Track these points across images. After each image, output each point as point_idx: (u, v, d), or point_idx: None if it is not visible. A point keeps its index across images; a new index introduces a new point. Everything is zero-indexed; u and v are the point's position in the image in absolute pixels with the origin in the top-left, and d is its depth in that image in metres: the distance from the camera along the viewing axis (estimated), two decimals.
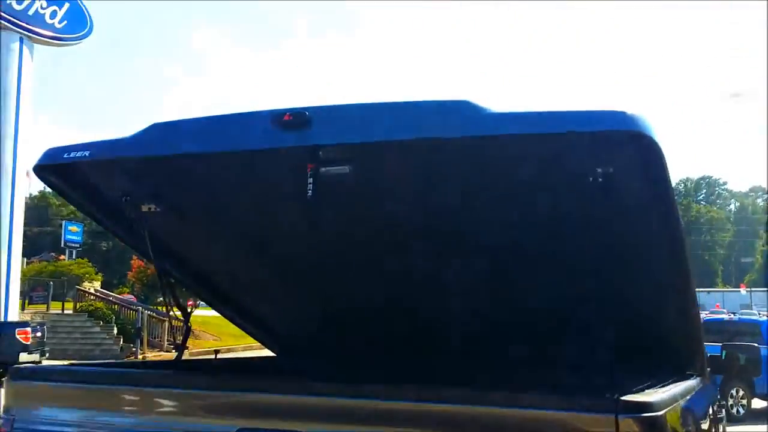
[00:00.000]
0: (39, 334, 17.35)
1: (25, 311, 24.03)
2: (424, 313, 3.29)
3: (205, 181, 2.70)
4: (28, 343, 16.52)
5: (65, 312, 25.69)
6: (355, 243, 2.86)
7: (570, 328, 3.05)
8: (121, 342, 23.54)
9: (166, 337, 22.95)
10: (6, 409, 2.38)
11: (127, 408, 2.30)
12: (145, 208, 2.78)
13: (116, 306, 26.22)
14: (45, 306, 25.97)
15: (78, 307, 25.78)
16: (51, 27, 19.83)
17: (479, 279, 3.04)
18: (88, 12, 20.76)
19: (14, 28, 18.90)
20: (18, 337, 16.44)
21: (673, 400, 2.15)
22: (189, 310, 3.35)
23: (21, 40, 19.30)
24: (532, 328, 3.21)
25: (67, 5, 20.12)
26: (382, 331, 3.38)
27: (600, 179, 2.17)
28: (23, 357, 15.33)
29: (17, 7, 18.94)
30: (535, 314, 3.16)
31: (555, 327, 3.18)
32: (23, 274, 24.45)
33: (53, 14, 19.76)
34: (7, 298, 20.53)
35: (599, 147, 2.12)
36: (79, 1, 20.54)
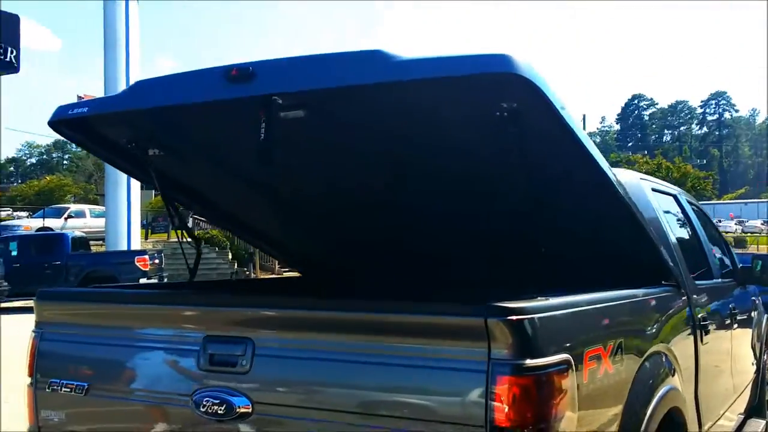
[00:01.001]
0: (156, 260, 18.97)
1: (148, 240, 26.02)
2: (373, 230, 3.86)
3: (185, 128, 3.12)
4: (147, 269, 18.10)
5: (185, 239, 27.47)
6: (305, 173, 3.37)
7: (501, 245, 3.33)
8: (236, 266, 25.15)
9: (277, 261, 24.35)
10: (37, 324, 2.94)
11: (122, 322, 2.79)
12: (150, 152, 3.24)
13: (230, 233, 27.86)
14: (166, 235, 27.96)
15: (196, 234, 27.47)
16: None
17: (417, 200, 3.38)
18: None
19: None
20: (137, 264, 18.03)
21: (560, 306, 2.29)
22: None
23: None
24: (475, 248, 3.58)
25: None
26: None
27: (506, 113, 2.47)
28: (142, 282, 16.83)
29: None
30: (479, 236, 3.51)
31: (492, 246, 3.49)
32: (147, 205, 26.32)
33: None
34: (129, 228, 22.30)
35: (490, 86, 2.36)
36: None
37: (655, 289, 3.21)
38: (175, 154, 3.30)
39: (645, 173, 4.63)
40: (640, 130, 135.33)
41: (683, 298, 3.49)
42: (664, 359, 3.02)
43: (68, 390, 2.78)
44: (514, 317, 2.05)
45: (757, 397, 5.42)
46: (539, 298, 2.28)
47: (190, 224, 5.08)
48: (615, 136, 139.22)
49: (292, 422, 2.37)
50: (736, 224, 59.98)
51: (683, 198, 4.73)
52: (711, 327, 3.77)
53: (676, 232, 4.04)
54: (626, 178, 3.81)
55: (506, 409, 2.03)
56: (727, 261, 5.30)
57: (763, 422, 5.27)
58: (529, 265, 3.28)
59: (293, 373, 2.42)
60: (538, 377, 2.07)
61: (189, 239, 3.79)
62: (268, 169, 3.11)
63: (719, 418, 4.06)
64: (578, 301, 2.44)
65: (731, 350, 4.42)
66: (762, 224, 61.01)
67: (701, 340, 3.60)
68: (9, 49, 21.02)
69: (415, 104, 2.60)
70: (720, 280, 4.59)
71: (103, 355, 2.80)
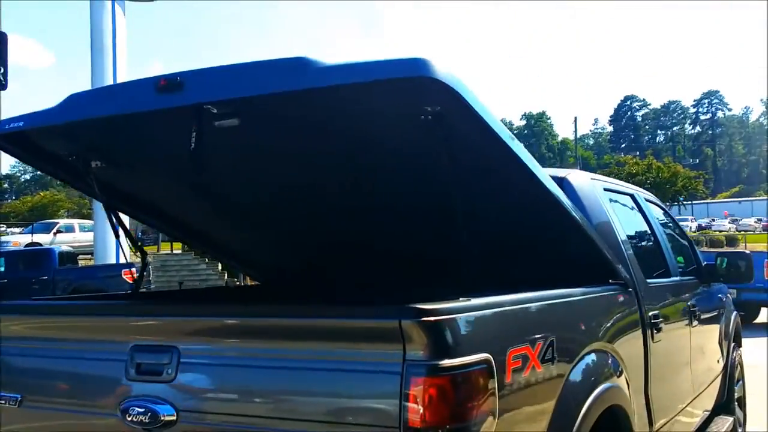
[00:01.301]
0: (144, 273, 18.87)
1: (137, 253, 25.97)
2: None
3: (122, 139, 3.11)
4: (132, 282, 18.05)
5: (174, 252, 27.55)
6: (245, 179, 3.40)
7: (438, 248, 3.33)
8: (226, 277, 25.09)
9: None
10: None
11: (52, 334, 2.81)
12: (93, 164, 3.23)
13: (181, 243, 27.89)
14: (156, 247, 27.97)
15: (185, 246, 27.60)
16: None
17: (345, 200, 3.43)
18: None
19: None
20: (124, 277, 17.99)
21: (478, 307, 2.26)
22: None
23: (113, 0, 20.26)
24: (417, 250, 3.63)
25: None
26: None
27: (430, 116, 2.47)
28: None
29: None
30: (418, 238, 3.54)
31: (431, 249, 3.50)
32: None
33: None
34: (117, 242, 22.27)
35: (410, 90, 2.34)
36: None
37: (596, 288, 3.20)
38: (116, 165, 3.30)
39: (635, 174, 4.67)
40: (633, 131, 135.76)
41: (631, 297, 3.48)
42: (606, 358, 3.02)
43: (2, 402, 2.77)
44: (429, 318, 2.05)
45: (725, 394, 5.41)
46: (461, 299, 2.26)
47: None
48: (608, 137, 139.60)
49: (216, 429, 2.36)
50: (729, 223, 60.23)
51: (641, 197, 4.73)
52: (663, 325, 3.77)
53: (628, 231, 4.05)
54: (575, 178, 3.84)
55: (420, 410, 2.01)
56: (692, 260, 5.31)
57: (730, 419, 5.26)
58: (469, 267, 3.27)
59: (216, 380, 2.41)
60: (453, 377, 2.05)
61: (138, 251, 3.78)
62: (207, 177, 3.11)
63: (676, 415, 4.05)
64: (500, 302, 2.41)
65: (690, 347, 4.42)
66: (755, 222, 61.28)
67: (652, 339, 3.60)
68: None
69: (343, 110, 2.61)
70: (678, 278, 4.59)
71: (36, 366, 2.80)
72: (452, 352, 2.07)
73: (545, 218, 3.04)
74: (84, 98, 2.89)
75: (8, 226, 40.58)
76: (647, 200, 4.85)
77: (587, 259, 3.26)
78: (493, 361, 2.18)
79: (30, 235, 28.67)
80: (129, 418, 2.45)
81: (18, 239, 27.85)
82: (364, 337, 2.15)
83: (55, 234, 28.88)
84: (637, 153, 74.51)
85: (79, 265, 21.93)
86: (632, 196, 4.57)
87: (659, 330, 3.70)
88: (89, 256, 24.48)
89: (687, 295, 4.60)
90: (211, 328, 2.48)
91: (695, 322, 4.53)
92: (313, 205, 3.52)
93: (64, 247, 21.65)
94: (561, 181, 3.66)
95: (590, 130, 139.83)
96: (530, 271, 3.19)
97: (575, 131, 72.53)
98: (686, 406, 4.32)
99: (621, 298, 3.39)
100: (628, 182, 5.66)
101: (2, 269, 18.95)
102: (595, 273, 3.32)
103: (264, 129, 2.84)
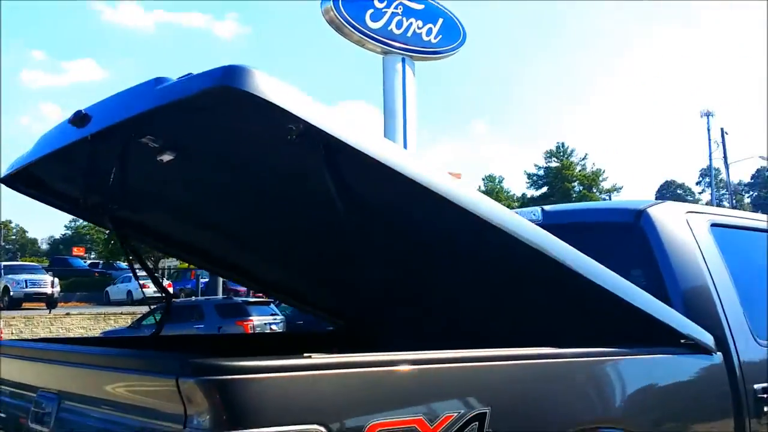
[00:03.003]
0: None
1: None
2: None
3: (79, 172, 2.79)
4: None
5: None
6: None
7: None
8: None
9: None
10: None
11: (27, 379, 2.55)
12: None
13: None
14: None
15: None
16: (428, 44, 20.08)
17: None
18: (461, 24, 20.76)
19: (397, 51, 19.12)
20: None
21: (314, 367, 1.78)
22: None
23: (403, 60, 19.55)
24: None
25: (441, 20, 20.78)
26: None
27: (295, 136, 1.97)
28: None
29: (397, 32, 19.74)
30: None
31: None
32: None
33: (429, 32, 20.31)
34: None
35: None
36: (451, 15, 20.82)
37: (611, 350, 2.51)
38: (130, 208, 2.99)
39: None
40: None
41: (714, 364, 2.77)
42: None
43: None
44: (216, 377, 1.63)
45: None
46: (305, 355, 1.81)
47: None
48: None
49: None
50: None
51: None
52: None
53: (745, 280, 3.12)
54: (659, 211, 3.10)
55: None
56: None
57: None
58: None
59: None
60: None
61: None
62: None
63: None
64: (358, 362, 1.92)
65: None
66: None
67: (757, 417, 2.83)
68: None
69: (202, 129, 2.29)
70: None
71: None
72: (251, 421, 1.64)
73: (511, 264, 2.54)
74: (45, 137, 2.70)
75: None
76: None
77: (616, 315, 2.56)
78: None
79: None
80: None
81: None
82: (147, 396, 1.83)
83: None
84: None
85: None
86: None
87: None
88: None
89: None
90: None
91: None
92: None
93: None
94: (639, 215, 3.05)
95: None
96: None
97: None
98: None
99: (683, 364, 2.74)
100: None
101: None
102: (652, 332, 2.62)
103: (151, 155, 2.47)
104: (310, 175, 2.24)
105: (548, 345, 2.32)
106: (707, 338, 2.74)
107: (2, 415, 2.59)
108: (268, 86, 1.80)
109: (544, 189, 73.20)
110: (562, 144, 73.47)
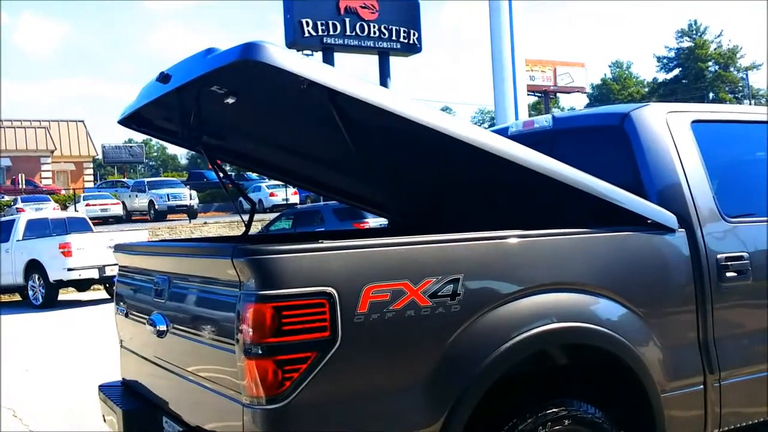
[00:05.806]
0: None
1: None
2: None
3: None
4: None
5: None
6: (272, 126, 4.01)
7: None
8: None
9: None
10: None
11: (144, 266, 3.62)
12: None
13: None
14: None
15: None
16: None
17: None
18: None
19: None
20: None
21: (321, 249, 2.50)
22: None
23: None
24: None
25: None
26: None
27: (306, 86, 2.73)
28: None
29: None
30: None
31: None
32: None
33: None
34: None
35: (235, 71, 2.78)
36: None
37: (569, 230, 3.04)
38: (210, 129, 3.84)
39: None
40: None
41: (676, 239, 3.27)
42: (583, 295, 2.95)
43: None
44: (255, 257, 2.43)
45: None
46: (319, 241, 2.57)
47: None
48: None
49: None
50: None
51: None
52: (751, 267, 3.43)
53: (719, 167, 3.59)
54: (642, 114, 3.51)
55: (251, 332, 2.41)
56: None
57: None
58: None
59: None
60: (279, 303, 2.40)
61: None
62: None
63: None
64: (351, 245, 2.59)
65: None
66: None
67: (719, 280, 3.34)
68: (411, 32, 25.84)
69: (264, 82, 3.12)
70: None
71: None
72: (278, 284, 2.40)
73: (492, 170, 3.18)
74: (144, 90, 3.56)
75: None
76: None
77: (578, 202, 3.16)
78: (336, 293, 2.45)
79: None
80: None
81: None
82: (218, 271, 2.68)
83: None
84: None
85: None
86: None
87: (743, 272, 3.41)
88: None
89: None
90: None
91: None
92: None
93: None
94: (623, 119, 3.50)
95: None
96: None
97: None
98: None
99: (637, 239, 3.20)
100: None
101: None
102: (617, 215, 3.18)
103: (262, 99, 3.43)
104: (326, 108, 3.11)
105: (541, 227, 2.96)
106: (669, 219, 3.25)
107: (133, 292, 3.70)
108: (276, 55, 2.58)
109: (676, 71, 69.56)
110: (695, 21, 69.02)
